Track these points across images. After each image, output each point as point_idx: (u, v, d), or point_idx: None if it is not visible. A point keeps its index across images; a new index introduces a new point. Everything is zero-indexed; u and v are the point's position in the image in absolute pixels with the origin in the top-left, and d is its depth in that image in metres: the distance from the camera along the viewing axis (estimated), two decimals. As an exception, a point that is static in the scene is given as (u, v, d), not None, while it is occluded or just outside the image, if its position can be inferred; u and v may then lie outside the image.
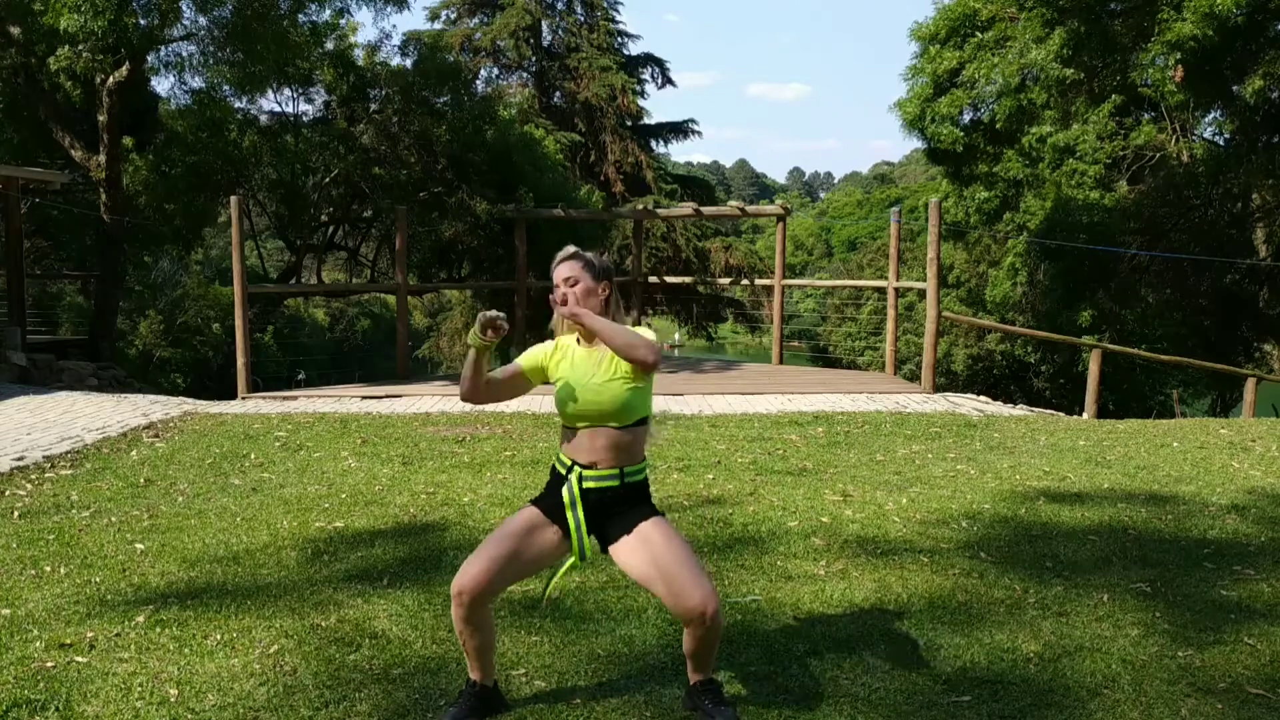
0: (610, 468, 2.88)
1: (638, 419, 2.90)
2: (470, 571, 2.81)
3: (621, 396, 2.86)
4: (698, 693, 2.98)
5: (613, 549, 2.92)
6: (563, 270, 2.96)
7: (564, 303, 2.91)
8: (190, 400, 10.65)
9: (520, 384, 3.05)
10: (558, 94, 28.41)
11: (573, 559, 2.93)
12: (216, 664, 3.36)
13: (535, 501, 2.98)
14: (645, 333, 2.81)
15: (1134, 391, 18.07)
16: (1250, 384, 11.40)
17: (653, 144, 30.22)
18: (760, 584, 4.15)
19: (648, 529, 2.86)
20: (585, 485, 2.88)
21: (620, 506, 2.90)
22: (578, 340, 3.00)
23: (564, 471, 2.93)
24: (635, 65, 29.96)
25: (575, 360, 2.95)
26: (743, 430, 7.82)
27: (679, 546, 2.82)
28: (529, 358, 3.04)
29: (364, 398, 10.28)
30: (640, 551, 2.83)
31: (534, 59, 28.42)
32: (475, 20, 28.90)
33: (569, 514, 2.88)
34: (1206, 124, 16.50)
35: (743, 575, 4.26)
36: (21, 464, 6.55)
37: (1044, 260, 16.34)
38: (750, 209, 16.13)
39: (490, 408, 9.21)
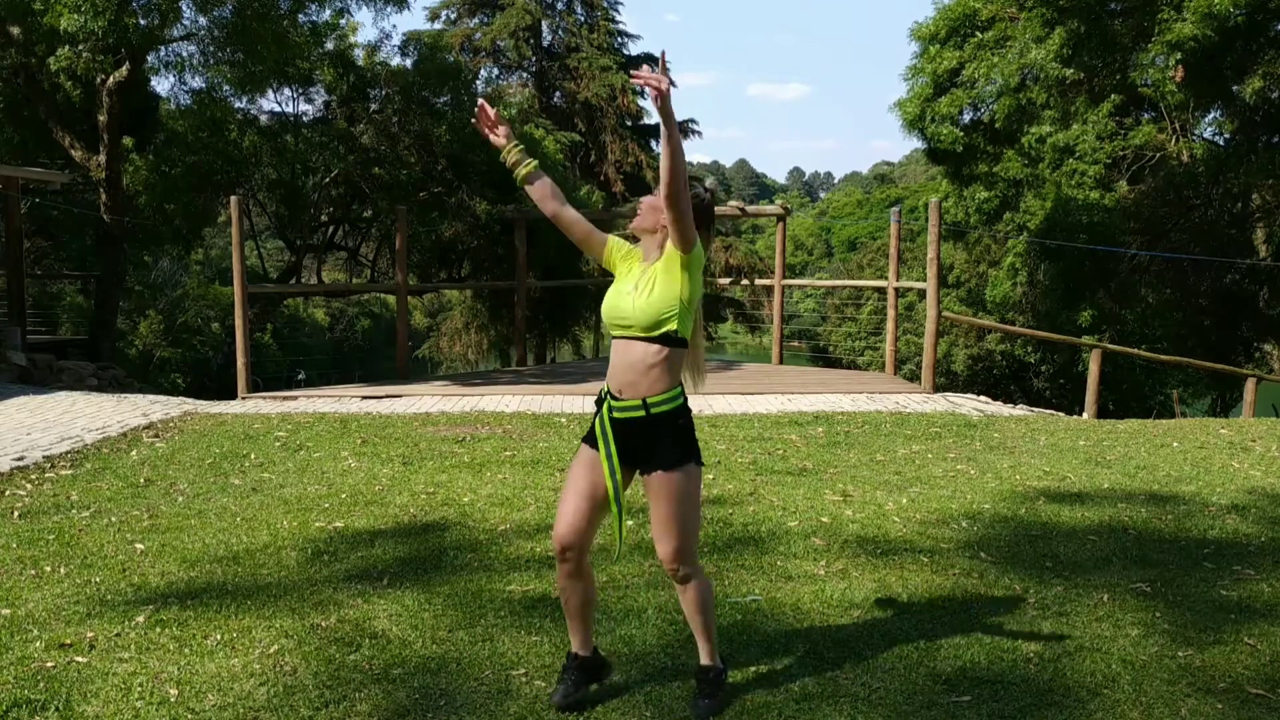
0: (634, 396, 2.92)
1: (665, 333, 2.90)
2: (563, 525, 2.95)
3: (654, 305, 2.90)
4: (699, 676, 3.10)
5: (643, 478, 2.99)
6: (645, 200, 3.07)
7: (637, 214, 3.04)
8: (190, 400, 10.65)
9: (594, 242, 3.14)
10: (558, 94, 28.41)
11: (613, 507, 2.96)
12: (216, 664, 3.36)
13: (585, 437, 3.06)
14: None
15: (1134, 391, 18.07)
16: (1250, 384, 11.39)
17: (653, 144, 30.20)
18: (760, 584, 4.15)
19: (659, 479, 2.91)
20: (614, 415, 2.94)
21: (650, 438, 2.93)
22: (645, 257, 3.07)
23: (602, 397, 3.02)
24: (635, 65, 29.94)
25: (633, 268, 3.04)
26: (743, 430, 7.82)
27: (676, 506, 2.91)
28: (613, 239, 3.14)
29: (364, 398, 10.28)
30: (650, 496, 2.95)
31: (534, 59, 28.42)
32: (475, 20, 28.90)
33: (601, 446, 2.94)
34: (1206, 124, 16.50)
35: (743, 575, 4.27)
36: (21, 464, 6.55)
37: (1044, 260, 16.33)
38: (750, 209, 16.11)
39: (490, 408, 9.22)
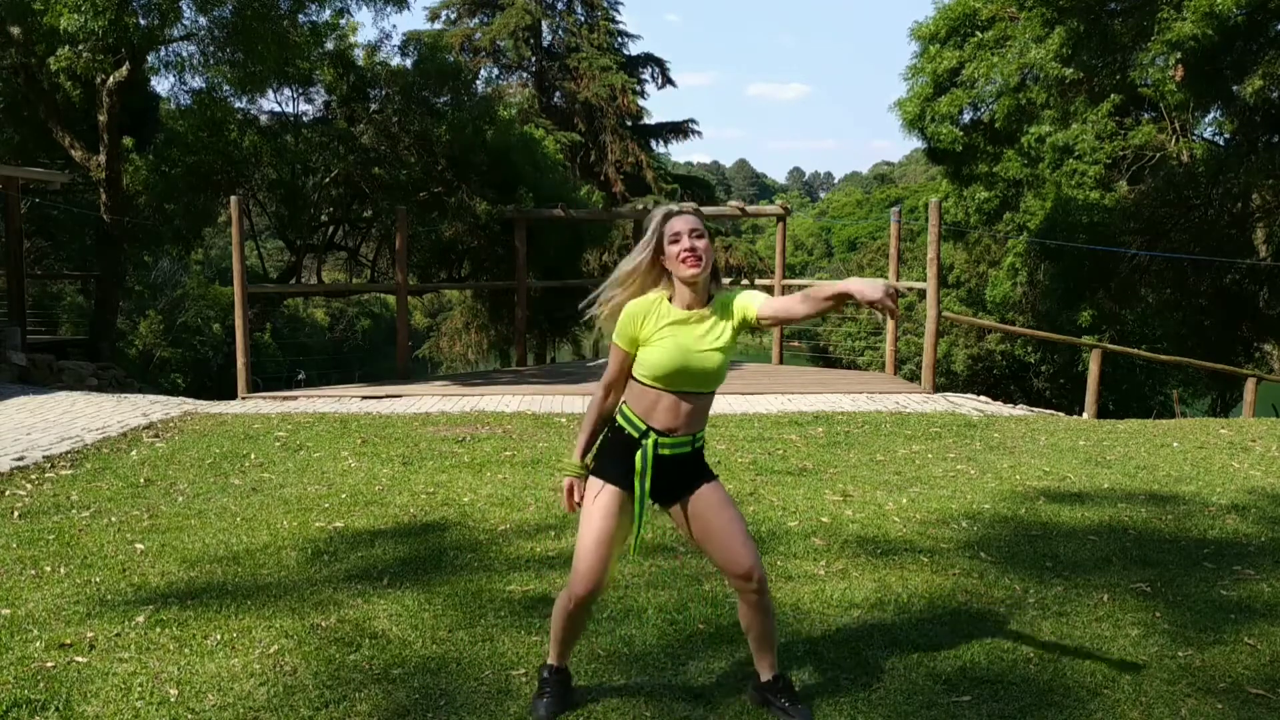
0: (686, 434, 2.88)
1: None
2: (590, 576, 2.86)
3: (724, 363, 2.86)
4: (771, 689, 3.03)
5: (673, 510, 2.96)
6: (685, 222, 2.83)
7: (697, 257, 2.79)
8: (190, 400, 10.65)
9: (629, 371, 2.93)
10: (558, 94, 28.41)
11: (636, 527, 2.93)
12: (216, 664, 3.36)
13: (599, 473, 2.92)
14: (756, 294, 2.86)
15: (1134, 391, 18.08)
16: (1250, 384, 11.39)
17: (653, 144, 30.23)
18: (760, 584, 4.15)
19: (707, 492, 2.92)
20: (661, 452, 2.87)
21: (684, 469, 2.93)
22: (669, 299, 2.88)
23: (637, 435, 2.87)
24: (635, 65, 29.96)
25: (676, 320, 2.84)
26: (743, 430, 7.82)
27: (732, 511, 2.92)
28: (623, 336, 2.88)
29: (364, 398, 10.28)
30: (699, 514, 2.91)
31: (534, 59, 28.43)
32: (475, 20, 28.91)
33: (637, 481, 2.86)
34: (1206, 124, 16.49)
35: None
36: (21, 464, 6.55)
37: (1044, 260, 16.34)
38: (750, 209, 16.11)
39: (490, 408, 9.22)
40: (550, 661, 3.09)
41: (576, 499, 2.95)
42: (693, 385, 2.84)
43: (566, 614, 2.97)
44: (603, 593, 2.96)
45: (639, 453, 2.85)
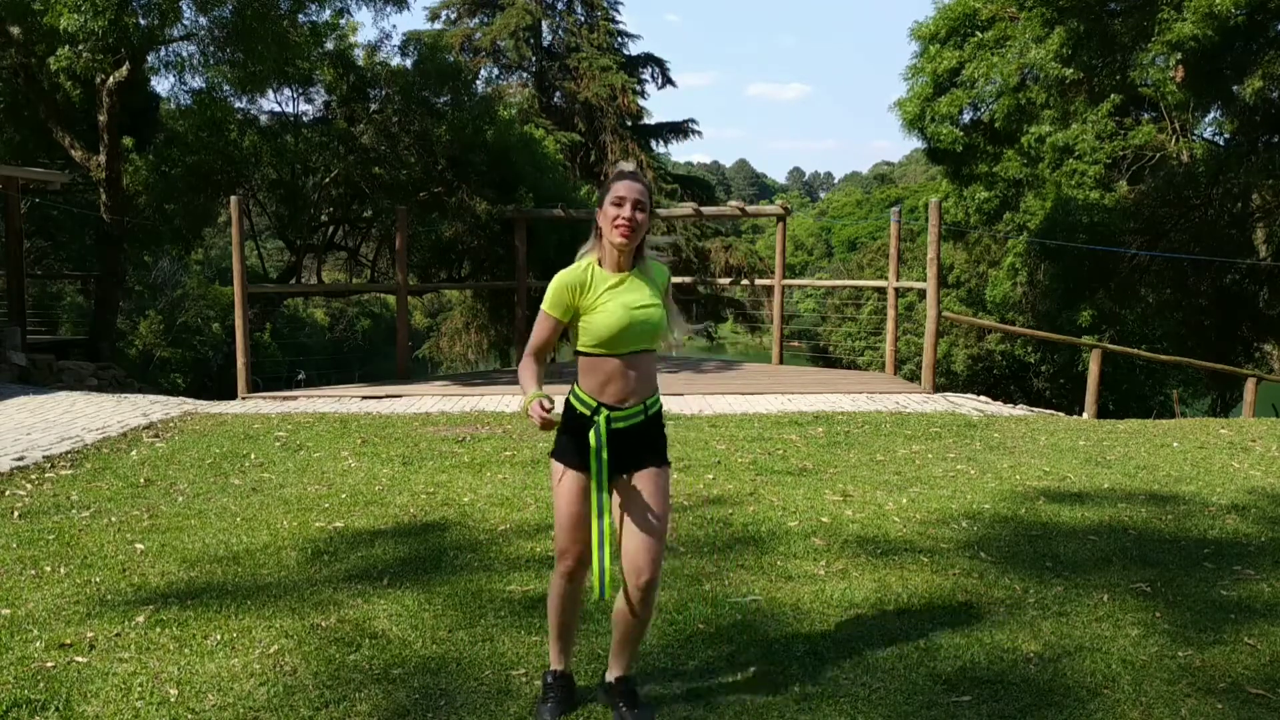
0: (637, 403, 2.89)
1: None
2: (568, 550, 2.94)
3: (664, 318, 2.90)
4: (615, 691, 3.02)
5: (617, 483, 2.93)
6: (631, 189, 2.84)
7: (630, 228, 2.83)
8: (190, 400, 10.65)
9: (556, 340, 3.00)
10: (558, 94, 28.40)
11: (602, 534, 2.89)
12: (216, 664, 3.36)
13: (559, 456, 2.95)
14: (657, 268, 2.97)
15: (1134, 391, 18.08)
16: (1250, 384, 11.39)
17: (653, 144, 30.20)
18: (760, 584, 4.15)
19: (646, 479, 2.90)
20: (615, 426, 2.87)
21: (641, 439, 2.92)
22: (599, 262, 2.92)
23: (589, 413, 2.88)
24: (635, 65, 29.94)
25: (611, 285, 2.88)
26: (743, 430, 7.82)
27: (658, 510, 2.89)
28: (557, 305, 2.89)
29: (364, 398, 10.28)
30: (630, 496, 2.90)
31: (534, 59, 28.43)
32: (475, 20, 28.90)
33: (593, 460, 2.86)
34: (1206, 124, 16.50)
35: (743, 575, 4.26)
36: (21, 464, 6.55)
37: (1044, 260, 16.33)
38: (750, 209, 16.10)
39: (490, 408, 9.22)
40: (553, 666, 3.10)
41: (544, 410, 2.82)
42: (639, 343, 2.87)
43: (555, 595, 3.03)
44: (584, 568, 2.96)
45: (591, 430, 2.86)
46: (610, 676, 3.06)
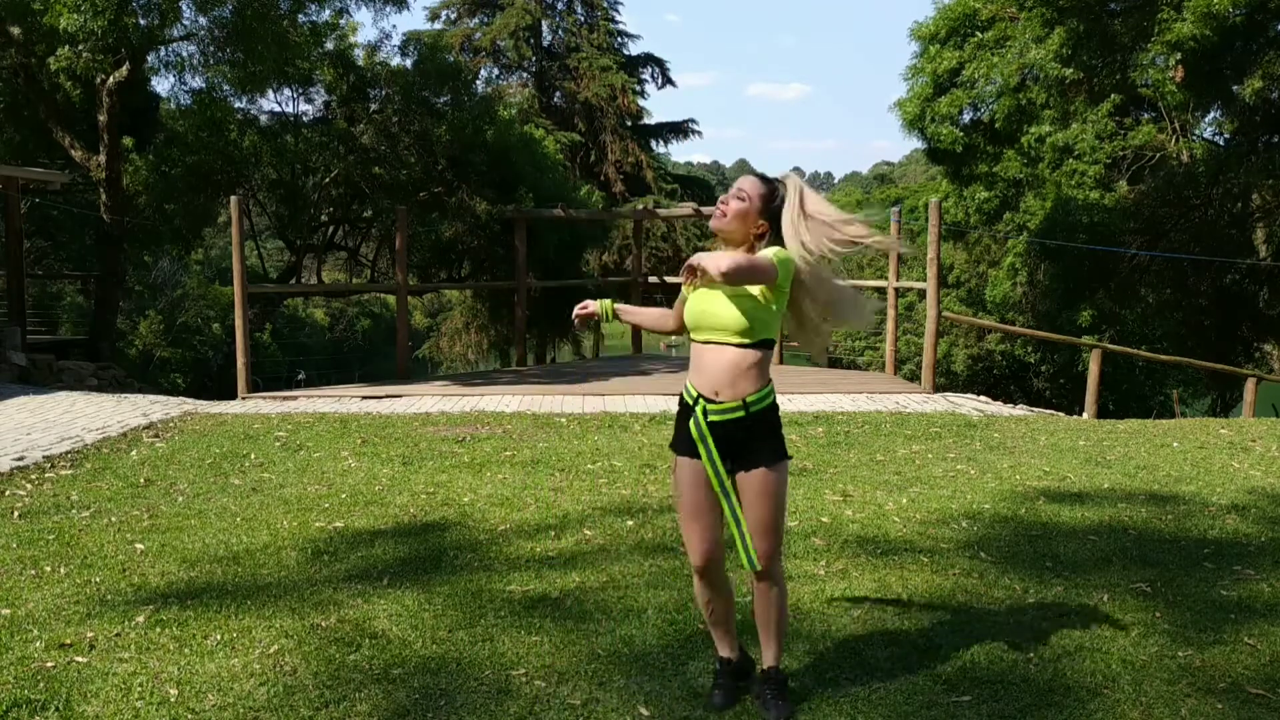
0: (732, 399, 2.90)
1: (760, 339, 2.91)
2: (699, 554, 3.00)
3: (746, 310, 2.87)
4: (761, 680, 3.09)
5: (737, 477, 2.97)
6: (742, 180, 2.99)
7: (722, 212, 2.95)
8: (190, 400, 10.65)
9: (681, 311, 3.08)
10: (558, 94, 28.41)
11: (729, 512, 2.96)
12: (216, 664, 3.36)
13: (673, 446, 3.03)
14: (764, 253, 2.88)
15: (1134, 391, 18.07)
16: (1250, 384, 11.39)
17: (653, 144, 30.24)
18: (760, 584, 4.15)
19: (752, 480, 2.93)
20: (710, 419, 2.91)
21: (748, 435, 2.93)
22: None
23: (690, 403, 2.97)
24: (635, 65, 29.96)
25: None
26: (743, 430, 7.81)
27: (775, 502, 2.93)
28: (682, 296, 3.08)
29: (364, 398, 10.28)
30: (748, 494, 2.94)
31: (534, 59, 28.44)
32: (475, 20, 28.92)
33: (700, 448, 2.92)
34: (1206, 124, 16.49)
35: (743, 575, 4.26)
36: (21, 464, 6.55)
37: (1044, 260, 16.32)
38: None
39: (490, 408, 9.23)
40: (720, 654, 3.16)
41: (582, 311, 3.15)
42: (714, 330, 2.90)
43: (696, 594, 3.11)
44: (717, 563, 3.02)
45: (690, 420, 2.94)
46: (763, 664, 3.12)
